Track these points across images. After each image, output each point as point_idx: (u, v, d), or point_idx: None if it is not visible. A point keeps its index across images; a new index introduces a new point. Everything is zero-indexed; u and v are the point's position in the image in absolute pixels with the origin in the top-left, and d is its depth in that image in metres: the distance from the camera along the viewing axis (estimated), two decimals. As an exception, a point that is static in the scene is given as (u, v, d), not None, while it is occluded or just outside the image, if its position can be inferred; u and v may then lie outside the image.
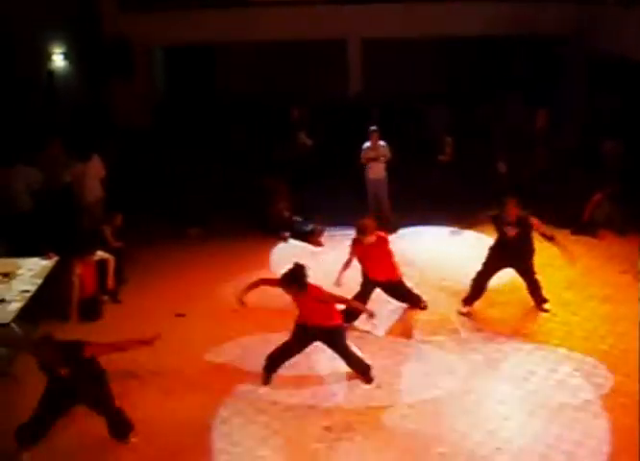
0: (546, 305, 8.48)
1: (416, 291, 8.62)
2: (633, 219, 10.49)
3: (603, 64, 13.03)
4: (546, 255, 9.05)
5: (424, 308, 8.50)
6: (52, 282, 8.27)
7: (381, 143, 11.22)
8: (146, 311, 8.56)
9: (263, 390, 7.00)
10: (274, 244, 10.78)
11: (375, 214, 9.93)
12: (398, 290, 8.36)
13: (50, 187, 10.31)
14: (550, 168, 12.18)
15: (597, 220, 10.61)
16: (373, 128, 11.22)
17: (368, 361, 7.17)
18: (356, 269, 8.19)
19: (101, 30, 14.68)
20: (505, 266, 8.33)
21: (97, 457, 6.17)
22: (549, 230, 8.62)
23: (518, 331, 8.12)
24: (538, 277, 8.44)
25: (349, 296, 7.66)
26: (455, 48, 15.09)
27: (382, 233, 8.09)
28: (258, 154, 13.06)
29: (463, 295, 8.55)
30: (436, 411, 6.67)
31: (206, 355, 7.68)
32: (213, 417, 6.61)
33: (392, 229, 10.42)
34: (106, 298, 8.89)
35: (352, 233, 8.22)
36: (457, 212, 11.33)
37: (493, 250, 8.38)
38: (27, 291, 7.89)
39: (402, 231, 10.92)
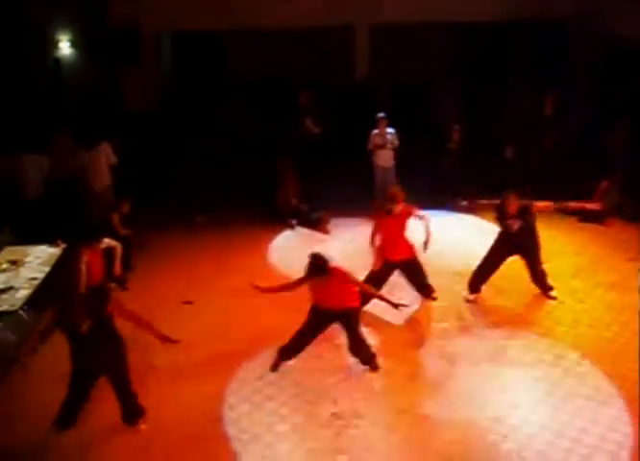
0: (553, 293, 8.47)
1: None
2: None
3: (614, 49, 12.91)
4: (554, 244, 9.01)
5: (434, 299, 8.47)
6: (60, 270, 8.28)
7: (390, 130, 11.18)
8: (154, 298, 8.57)
9: (271, 377, 7.02)
10: (281, 231, 10.79)
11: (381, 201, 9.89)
12: (414, 269, 8.26)
13: (58, 175, 10.33)
14: (556, 153, 12.10)
15: (605, 208, 10.55)
16: (381, 115, 11.18)
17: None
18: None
19: (107, 17, 14.65)
20: (511, 255, 8.31)
21: (105, 441, 6.19)
22: (557, 204, 8.44)
23: (525, 319, 8.12)
24: (545, 266, 8.41)
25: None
26: (463, 33, 15.00)
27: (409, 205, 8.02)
28: (265, 140, 13.03)
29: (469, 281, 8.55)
30: (443, 398, 6.67)
31: (213, 342, 7.70)
32: (221, 404, 6.63)
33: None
34: (113, 285, 8.90)
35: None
36: (464, 198, 11.22)
37: (497, 241, 8.34)
38: (35, 278, 7.94)
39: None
